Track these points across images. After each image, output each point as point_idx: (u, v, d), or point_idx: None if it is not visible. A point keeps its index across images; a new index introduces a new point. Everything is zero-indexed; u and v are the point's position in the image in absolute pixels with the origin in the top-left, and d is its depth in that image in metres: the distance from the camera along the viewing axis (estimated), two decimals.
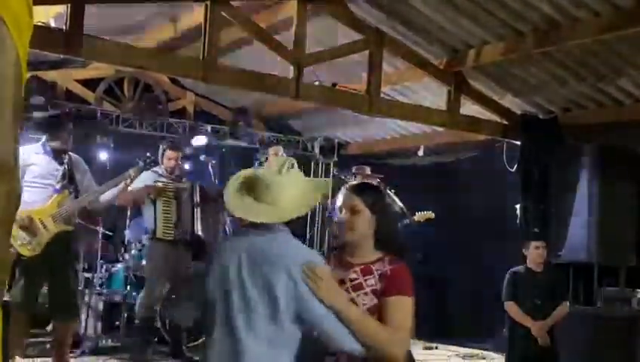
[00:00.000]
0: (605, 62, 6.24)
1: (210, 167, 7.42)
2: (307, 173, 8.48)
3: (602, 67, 6.33)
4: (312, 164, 9.79)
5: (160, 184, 6.37)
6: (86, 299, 6.97)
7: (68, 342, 5.47)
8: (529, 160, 7.48)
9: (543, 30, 5.90)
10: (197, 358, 6.40)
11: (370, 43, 6.63)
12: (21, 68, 1.37)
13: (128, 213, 7.44)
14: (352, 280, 2.56)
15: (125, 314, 7.10)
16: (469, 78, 7.14)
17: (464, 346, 8.41)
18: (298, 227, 8.87)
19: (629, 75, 6.34)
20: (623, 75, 6.39)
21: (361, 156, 9.53)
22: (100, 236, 7.17)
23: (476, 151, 8.65)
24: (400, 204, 7.47)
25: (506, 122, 7.63)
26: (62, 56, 6.19)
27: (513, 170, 7.67)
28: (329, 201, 7.43)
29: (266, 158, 6.85)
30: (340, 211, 2.64)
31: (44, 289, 5.38)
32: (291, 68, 6.19)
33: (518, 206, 7.59)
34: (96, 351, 6.71)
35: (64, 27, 5.27)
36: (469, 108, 7.47)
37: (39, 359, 6.06)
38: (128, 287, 7.23)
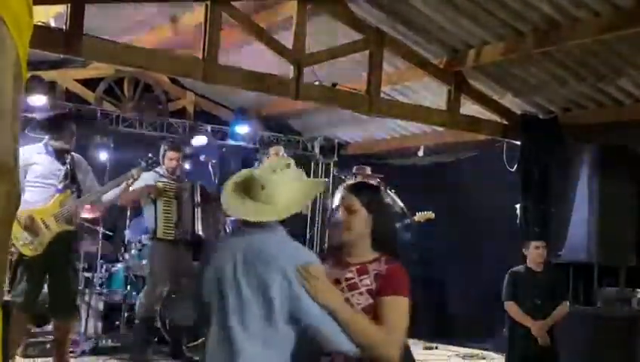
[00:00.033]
0: (605, 62, 6.24)
1: (210, 167, 7.42)
2: (307, 173, 8.49)
3: (602, 67, 6.33)
4: (312, 163, 9.80)
5: (161, 184, 6.37)
6: (86, 298, 6.98)
7: (68, 342, 5.49)
8: (529, 160, 7.48)
9: (543, 30, 5.90)
10: (197, 358, 6.40)
11: (370, 43, 6.63)
12: (21, 68, 1.37)
13: (128, 213, 7.44)
14: (347, 280, 2.56)
15: (125, 314, 7.10)
16: (469, 78, 7.14)
17: (464, 346, 8.41)
18: (298, 227, 8.90)
19: (629, 75, 6.34)
20: (623, 75, 6.39)
21: (361, 156, 9.53)
22: (100, 236, 7.17)
23: (476, 151, 8.64)
24: (401, 203, 7.47)
25: (506, 122, 7.63)
26: (62, 56, 6.19)
27: (513, 170, 7.67)
28: (329, 201, 7.45)
29: (268, 158, 6.85)
30: (337, 211, 2.64)
31: (45, 288, 5.38)
32: (291, 68, 6.19)
33: (518, 206, 7.59)
34: (96, 351, 6.71)
35: (64, 27, 5.27)
36: (469, 108, 7.47)
37: (39, 359, 6.06)
38: (128, 287, 7.23)
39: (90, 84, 8.78)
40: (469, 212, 8.68)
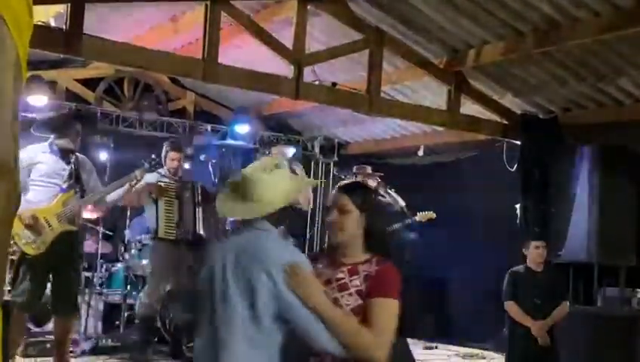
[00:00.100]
0: (605, 62, 6.24)
1: (210, 167, 7.42)
2: (307, 173, 8.51)
3: (602, 67, 6.33)
4: (312, 163, 9.80)
5: (162, 184, 6.38)
6: (86, 298, 6.98)
7: (68, 341, 5.49)
8: (529, 160, 7.48)
9: (543, 30, 5.90)
10: None
11: (370, 42, 6.63)
12: (21, 67, 1.37)
13: (128, 213, 7.44)
14: (338, 280, 2.55)
15: (125, 314, 7.10)
16: (469, 78, 7.14)
17: (464, 346, 8.41)
18: (298, 227, 8.91)
19: (629, 74, 6.34)
20: (623, 75, 6.39)
21: (361, 156, 9.53)
22: (100, 236, 7.17)
23: (476, 151, 8.65)
24: (402, 202, 7.47)
25: (506, 122, 7.63)
26: (62, 55, 6.19)
27: (513, 169, 7.67)
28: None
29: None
30: (330, 211, 2.63)
31: (47, 288, 5.39)
32: (291, 67, 6.19)
33: (518, 206, 7.59)
34: (96, 351, 6.71)
35: (64, 27, 5.27)
36: (469, 107, 7.47)
37: (39, 359, 6.06)
38: (128, 287, 7.23)
39: (90, 83, 8.79)
40: (469, 212, 8.68)
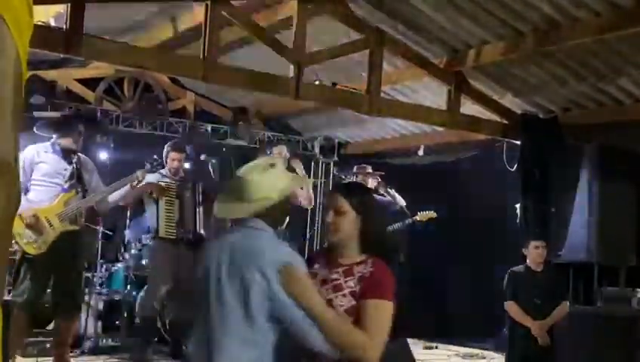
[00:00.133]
0: (605, 61, 6.24)
1: (210, 167, 7.42)
2: (307, 173, 8.51)
3: (602, 67, 6.33)
4: (312, 163, 9.80)
5: (163, 184, 6.39)
6: (86, 298, 6.97)
7: (68, 341, 5.50)
8: (529, 160, 7.48)
9: (543, 30, 5.90)
10: None
11: (370, 42, 6.63)
12: (21, 67, 1.37)
13: (128, 213, 7.44)
14: (333, 281, 2.55)
15: (125, 314, 7.10)
16: (469, 78, 7.14)
17: (464, 346, 8.41)
18: (298, 227, 8.91)
19: (630, 74, 6.34)
20: (623, 75, 6.39)
21: (361, 156, 9.53)
22: (100, 236, 7.17)
23: (476, 151, 8.64)
24: (402, 202, 7.48)
25: (506, 122, 7.63)
26: (62, 55, 6.19)
27: (513, 169, 7.67)
28: None
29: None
30: (327, 211, 2.63)
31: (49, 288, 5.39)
32: (291, 67, 6.19)
33: (518, 205, 7.59)
34: (96, 351, 6.71)
35: (64, 26, 5.27)
36: (469, 107, 7.47)
37: (39, 358, 6.06)
38: (128, 287, 7.23)
39: (90, 83, 8.78)
40: (469, 212, 8.69)
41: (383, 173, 7.56)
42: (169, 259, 6.37)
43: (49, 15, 5.56)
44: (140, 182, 5.63)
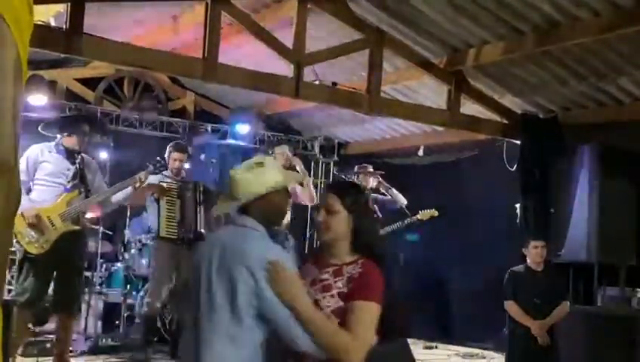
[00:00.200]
0: (605, 61, 6.23)
1: (210, 167, 7.43)
2: (307, 173, 8.51)
3: (602, 66, 6.33)
4: (312, 163, 9.80)
5: (165, 184, 6.39)
6: (86, 298, 6.97)
7: (69, 341, 5.51)
8: (529, 159, 7.48)
9: (544, 30, 5.89)
10: None
11: (370, 42, 6.63)
12: (22, 67, 1.37)
13: (128, 213, 7.44)
14: (322, 281, 2.54)
15: (125, 314, 7.10)
16: (470, 78, 7.14)
17: (464, 346, 8.41)
18: (298, 226, 8.91)
19: (630, 74, 6.34)
20: (623, 74, 6.39)
21: (361, 155, 9.52)
22: (100, 235, 7.17)
23: (476, 151, 8.65)
24: (403, 201, 7.47)
25: (506, 121, 7.63)
26: (62, 55, 6.19)
27: (513, 169, 7.67)
28: None
29: (274, 158, 6.84)
30: (318, 210, 2.63)
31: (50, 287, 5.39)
32: (291, 67, 6.19)
33: (518, 206, 7.59)
34: (96, 351, 6.71)
35: (64, 26, 5.27)
36: (470, 107, 7.47)
37: (39, 358, 6.06)
38: (128, 286, 7.23)
39: (90, 83, 8.79)
40: (469, 212, 8.68)
41: (383, 173, 7.56)
42: (170, 258, 6.38)
43: (49, 14, 5.56)
44: (142, 183, 5.64)
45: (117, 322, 7.16)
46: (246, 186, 2.54)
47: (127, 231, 7.48)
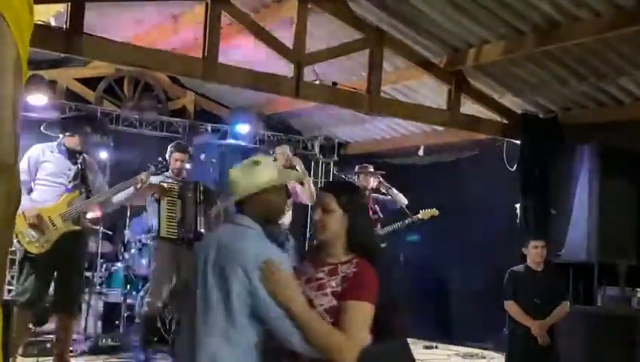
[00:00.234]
0: (606, 61, 6.23)
1: (210, 167, 7.42)
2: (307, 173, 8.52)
3: (603, 66, 6.33)
4: (312, 163, 9.80)
5: (165, 185, 6.39)
6: (86, 298, 6.98)
7: (69, 340, 5.51)
8: (529, 159, 7.48)
9: (544, 29, 5.89)
10: None
11: (370, 42, 6.63)
12: (22, 66, 1.37)
13: (128, 213, 7.44)
14: (317, 280, 2.54)
15: (125, 314, 7.10)
16: (470, 77, 7.14)
17: (464, 346, 8.41)
18: (299, 227, 8.90)
19: (630, 74, 6.34)
20: (623, 74, 6.39)
21: (361, 155, 9.53)
22: (100, 235, 7.17)
23: (476, 151, 8.65)
24: (404, 201, 7.48)
25: (506, 121, 7.63)
26: (62, 55, 6.19)
27: (513, 169, 7.67)
28: None
29: (275, 158, 6.85)
30: (315, 209, 2.63)
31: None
32: (291, 67, 6.19)
33: (518, 206, 7.59)
34: (96, 351, 6.71)
35: (64, 26, 5.26)
36: (470, 107, 7.46)
37: (40, 358, 6.06)
38: (128, 286, 7.23)
39: (90, 83, 8.78)
40: (469, 212, 8.68)
41: (384, 173, 7.56)
42: (170, 258, 6.38)
43: (49, 14, 5.56)
44: (143, 184, 5.65)
45: (117, 322, 7.16)
46: (241, 184, 2.56)
47: (127, 231, 7.47)
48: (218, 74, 5.99)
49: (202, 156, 7.71)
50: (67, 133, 5.30)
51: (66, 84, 8.65)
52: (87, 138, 5.42)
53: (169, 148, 6.52)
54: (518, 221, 7.55)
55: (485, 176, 8.37)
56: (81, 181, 5.24)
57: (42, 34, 5.01)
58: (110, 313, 7.23)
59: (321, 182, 9.57)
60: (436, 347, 8.49)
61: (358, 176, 7.49)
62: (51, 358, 5.60)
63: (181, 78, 8.96)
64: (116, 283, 7.39)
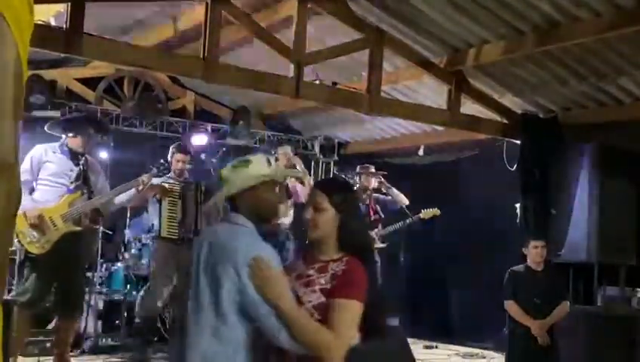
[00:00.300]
0: (606, 61, 6.23)
1: (210, 166, 7.42)
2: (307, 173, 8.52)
3: (603, 66, 6.33)
4: (312, 163, 9.80)
5: (167, 185, 6.40)
6: (86, 298, 6.97)
7: (69, 341, 5.51)
8: (529, 159, 7.48)
9: (544, 29, 5.89)
10: None
11: (370, 42, 6.63)
12: (22, 66, 1.37)
13: (128, 213, 7.44)
14: (307, 277, 2.55)
15: (125, 313, 7.10)
16: (470, 77, 7.14)
17: (464, 345, 8.41)
18: (299, 226, 8.92)
19: (630, 74, 6.34)
20: (623, 74, 6.38)
21: (361, 155, 9.53)
22: (100, 235, 7.17)
23: (476, 151, 8.65)
24: (405, 201, 7.48)
25: (506, 121, 7.63)
26: (62, 54, 6.18)
27: (513, 169, 7.67)
28: None
29: (276, 158, 6.86)
30: (307, 208, 2.64)
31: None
32: (291, 67, 6.19)
33: (518, 205, 7.59)
34: (96, 350, 6.71)
35: (64, 26, 5.26)
36: (470, 107, 7.46)
37: (40, 358, 6.06)
38: (128, 286, 7.23)
39: (90, 83, 8.78)
40: (469, 211, 8.68)
41: (385, 173, 7.57)
42: (171, 258, 6.38)
43: (49, 14, 5.56)
44: (145, 186, 5.65)
45: (117, 322, 7.16)
46: (231, 181, 2.58)
47: (127, 231, 7.48)
48: (218, 74, 5.99)
49: (202, 156, 7.70)
50: (70, 135, 5.30)
51: (66, 84, 8.64)
52: (90, 139, 5.42)
53: (171, 149, 6.53)
54: (518, 221, 7.55)
55: (485, 176, 8.37)
56: (83, 182, 5.25)
57: (42, 34, 5.00)
58: (110, 313, 7.23)
59: None
60: (436, 347, 8.49)
61: (360, 177, 7.50)
62: (51, 358, 5.60)
63: (181, 78, 8.96)
64: (116, 283, 7.39)
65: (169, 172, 6.27)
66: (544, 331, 5.54)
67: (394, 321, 7.50)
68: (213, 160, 7.58)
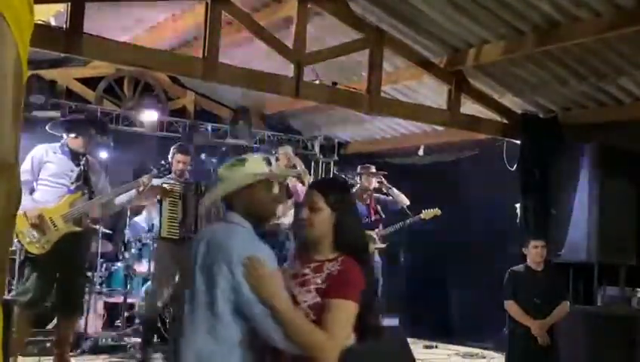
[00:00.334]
0: (606, 61, 6.23)
1: (210, 166, 7.42)
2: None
3: (603, 66, 6.33)
4: (312, 163, 9.80)
5: (167, 186, 6.40)
6: (86, 297, 6.98)
7: (69, 341, 5.51)
8: (529, 159, 7.48)
9: (544, 29, 5.89)
10: None
11: (370, 42, 6.63)
12: (22, 66, 1.37)
13: (128, 213, 7.44)
14: (303, 276, 2.55)
15: (125, 313, 7.10)
16: (470, 77, 7.14)
17: (464, 345, 8.41)
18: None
19: (630, 74, 6.34)
20: (623, 74, 6.39)
21: (361, 155, 9.54)
22: (100, 235, 7.17)
23: (476, 151, 8.65)
24: (405, 202, 7.48)
25: (506, 121, 7.63)
26: (62, 54, 6.19)
27: (513, 169, 7.67)
28: None
29: (277, 158, 6.86)
30: (302, 207, 2.64)
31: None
32: (292, 67, 6.19)
33: (518, 205, 7.59)
34: (96, 350, 6.70)
35: (64, 26, 5.26)
36: (470, 107, 7.46)
37: (40, 358, 6.06)
38: (128, 286, 7.23)
39: (90, 82, 8.78)
40: (469, 211, 8.68)
41: (386, 173, 7.57)
42: (171, 258, 6.38)
43: (49, 14, 5.57)
44: (145, 187, 5.65)
45: (117, 322, 7.16)
46: (227, 180, 2.58)
47: (127, 231, 7.47)
48: (218, 74, 5.99)
49: (202, 156, 7.70)
50: (72, 135, 5.30)
51: (66, 84, 8.64)
52: (91, 140, 5.42)
53: (171, 150, 6.53)
54: (518, 221, 7.55)
55: (485, 176, 8.37)
56: (84, 182, 5.25)
57: (42, 34, 5.00)
58: (110, 312, 7.24)
59: None
60: (436, 346, 8.49)
61: (361, 177, 7.50)
62: (51, 358, 5.60)
63: (181, 78, 8.96)
64: (116, 283, 7.39)
65: (169, 172, 6.27)
66: (544, 331, 5.53)
67: (394, 321, 7.51)
68: (213, 160, 7.57)
